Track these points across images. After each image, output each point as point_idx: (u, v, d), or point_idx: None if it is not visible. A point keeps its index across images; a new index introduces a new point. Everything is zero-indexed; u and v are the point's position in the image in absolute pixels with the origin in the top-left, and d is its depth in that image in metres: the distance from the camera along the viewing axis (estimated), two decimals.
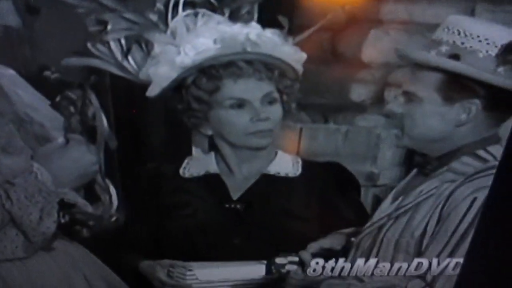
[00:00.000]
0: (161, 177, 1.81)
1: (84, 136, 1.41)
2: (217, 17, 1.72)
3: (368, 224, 1.49)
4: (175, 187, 1.78)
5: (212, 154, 1.81)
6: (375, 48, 2.40)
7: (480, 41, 1.41)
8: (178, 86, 1.73)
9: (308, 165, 1.81)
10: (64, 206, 1.36)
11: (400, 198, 1.46)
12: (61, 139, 1.41)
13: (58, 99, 1.40)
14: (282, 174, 1.78)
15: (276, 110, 1.74)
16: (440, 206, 1.39)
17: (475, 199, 1.36)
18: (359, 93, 2.47)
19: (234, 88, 1.71)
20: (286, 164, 1.80)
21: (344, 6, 2.13)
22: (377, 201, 2.39)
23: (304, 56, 1.76)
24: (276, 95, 1.73)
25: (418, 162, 1.50)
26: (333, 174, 1.80)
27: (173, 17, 1.71)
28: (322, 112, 2.51)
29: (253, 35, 1.70)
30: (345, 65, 2.47)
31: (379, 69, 2.43)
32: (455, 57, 1.41)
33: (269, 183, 1.77)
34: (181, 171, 1.80)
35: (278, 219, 1.73)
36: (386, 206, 1.48)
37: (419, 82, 1.44)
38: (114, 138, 1.47)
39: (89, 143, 1.41)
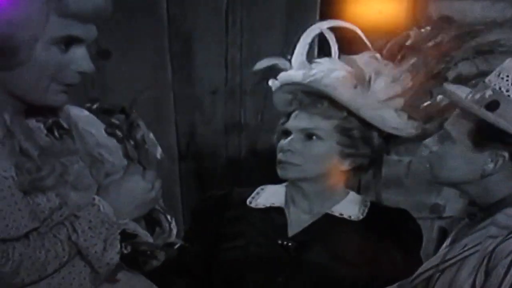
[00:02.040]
0: (228, 204, 1.81)
1: (141, 163, 1.42)
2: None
3: (416, 274, 1.47)
4: (238, 216, 1.79)
5: (284, 186, 1.82)
6: None
7: None
8: None
9: (375, 209, 1.77)
10: (126, 237, 1.39)
11: (446, 250, 1.44)
12: (121, 171, 1.44)
13: (104, 128, 1.43)
14: (345, 216, 1.75)
15: (313, 147, 1.71)
16: (485, 262, 1.36)
17: None
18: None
19: (290, 118, 1.75)
20: (352, 206, 1.76)
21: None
22: (443, 233, 2.34)
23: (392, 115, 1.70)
24: (320, 132, 1.71)
25: (469, 211, 1.48)
26: (397, 222, 1.75)
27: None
28: None
29: (319, 72, 1.71)
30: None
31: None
32: (495, 103, 1.38)
33: (328, 224, 1.74)
34: (248, 200, 1.81)
35: (327, 262, 1.69)
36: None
37: (454, 124, 1.43)
38: (164, 161, 1.48)
39: (145, 170, 1.42)
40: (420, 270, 1.47)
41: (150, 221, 1.49)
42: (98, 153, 1.47)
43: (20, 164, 1.33)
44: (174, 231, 1.48)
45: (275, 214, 1.77)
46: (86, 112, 1.49)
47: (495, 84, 1.39)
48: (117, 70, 2.25)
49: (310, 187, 1.75)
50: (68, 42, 1.36)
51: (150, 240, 1.42)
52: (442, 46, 1.70)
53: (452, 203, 2.37)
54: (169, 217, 1.49)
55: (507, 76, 1.38)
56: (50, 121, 1.43)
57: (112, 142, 1.46)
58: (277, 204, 1.78)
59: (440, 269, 1.41)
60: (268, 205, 1.78)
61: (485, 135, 1.39)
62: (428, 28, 1.69)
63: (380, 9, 2.09)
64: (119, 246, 1.37)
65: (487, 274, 1.35)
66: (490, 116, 1.37)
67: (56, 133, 1.43)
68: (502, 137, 1.37)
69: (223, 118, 2.35)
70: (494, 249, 1.35)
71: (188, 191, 2.37)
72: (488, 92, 1.40)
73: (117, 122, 1.42)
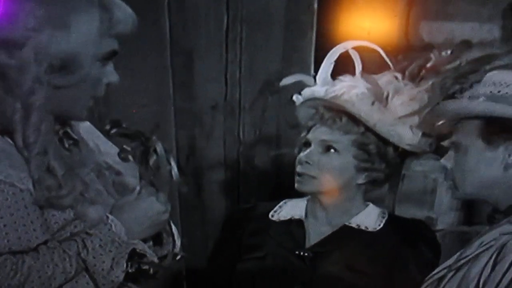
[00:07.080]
0: (252, 217, 1.84)
1: (154, 185, 1.45)
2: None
3: (430, 275, 1.48)
4: (260, 228, 1.81)
5: (305, 199, 1.84)
6: None
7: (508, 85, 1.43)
8: None
9: (392, 220, 1.80)
10: (134, 256, 1.42)
11: (461, 250, 1.45)
12: (136, 190, 1.46)
13: (118, 153, 1.46)
14: (362, 227, 1.77)
15: (329, 159, 1.75)
16: (494, 257, 1.37)
17: None
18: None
19: (310, 131, 1.79)
20: (370, 218, 1.79)
21: None
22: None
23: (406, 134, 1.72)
24: (338, 145, 1.75)
25: (488, 215, 1.49)
26: (414, 233, 1.77)
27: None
28: None
29: (336, 90, 1.75)
30: None
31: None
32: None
33: (345, 235, 1.77)
34: (271, 213, 1.83)
35: (342, 272, 1.71)
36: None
37: (462, 131, 1.47)
38: (184, 185, 1.53)
39: (158, 192, 1.44)
40: (433, 272, 1.47)
41: (157, 233, 1.51)
42: (103, 161, 1.49)
43: (42, 180, 1.35)
44: (179, 242, 1.52)
45: (295, 226, 1.80)
46: (86, 123, 1.51)
47: (484, 92, 1.44)
48: (120, 85, 2.29)
49: (328, 200, 1.78)
50: (108, 57, 1.40)
51: (156, 260, 1.45)
52: (460, 69, 1.72)
53: (444, 217, 2.41)
54: (174, 228, 1.53)
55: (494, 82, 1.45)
56: (61, 132, 1.45)
57: (112, 151, 1.49)
58: (297, 217, 1.81)
59: (453, 268, 1.42)
60: (288, 217, 1.81)
61: (494, 131, 1.43)
62: (449, 51, 1.74)
63: (368, 30, 2.14)
64: (125, 265, 1.39)
65: (493, 267, 1.35)
66: (496, 107, 1.41)
67: (66, 144, 1.46)
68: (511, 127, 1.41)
69: (222, 133, 2.39)
70: (505, 244, 1.37)
71: (186, 205, 2.41)
72: (482, 98, 1.45)
73: (128, 148, 1.45)
